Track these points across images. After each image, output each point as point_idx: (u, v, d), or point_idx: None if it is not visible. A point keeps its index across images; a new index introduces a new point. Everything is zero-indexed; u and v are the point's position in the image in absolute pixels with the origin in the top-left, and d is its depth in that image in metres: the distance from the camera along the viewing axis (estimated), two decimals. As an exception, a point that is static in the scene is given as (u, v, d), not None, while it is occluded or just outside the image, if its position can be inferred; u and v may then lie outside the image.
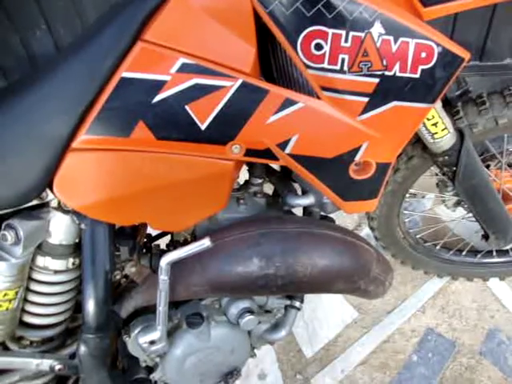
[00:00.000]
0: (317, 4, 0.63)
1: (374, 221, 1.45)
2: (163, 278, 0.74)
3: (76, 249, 0.80)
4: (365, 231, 1.91)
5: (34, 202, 0.72)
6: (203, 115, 0.67)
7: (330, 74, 0.68)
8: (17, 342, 0.84)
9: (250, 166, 0.95)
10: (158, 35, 0.63)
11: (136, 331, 0.84)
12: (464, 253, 1.59)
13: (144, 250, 0.96)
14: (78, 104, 0.65)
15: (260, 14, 0.65)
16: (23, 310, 0.81)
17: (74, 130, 0.65)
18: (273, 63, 0.75)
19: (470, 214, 1.31)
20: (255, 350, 1.08)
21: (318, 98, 0.70)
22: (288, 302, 0.98)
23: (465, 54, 0.71)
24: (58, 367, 0.83)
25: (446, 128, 1.03)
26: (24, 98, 0.66)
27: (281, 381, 1.42)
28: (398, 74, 0.69)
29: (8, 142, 0.65)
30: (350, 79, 0.69)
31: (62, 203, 0.74)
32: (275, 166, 1.00)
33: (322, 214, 0.99)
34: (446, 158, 1.10)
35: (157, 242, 1.01)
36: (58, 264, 0.78)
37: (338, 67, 0.67)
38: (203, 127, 0.68)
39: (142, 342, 0.83)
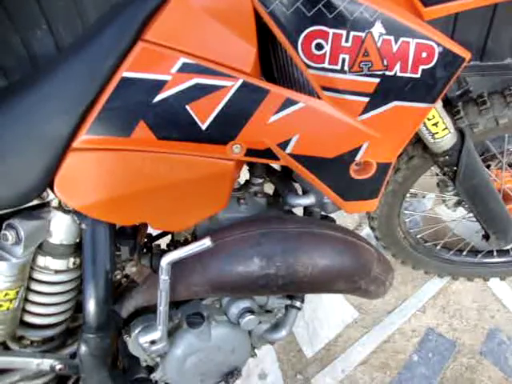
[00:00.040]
0: (317, 4, 0.63)
1: (375, 221, 1.45)
2: (164, 277, 0.74)
3: (77, 249, 0.80)
4: (365, 231, 1.91)
5: (35, 202, 0.72)
6: (204, 115, 0.67)
7: (330, 74, 0.68)
8: (17, 342, 0.84)
9: (251, 165, 0.95)
10: (159, 35, 0.63)
11: (136, 331, 0.84)
12: (464, 253, 1.59)
13: (144, 250, 0.96)
14: (78, 104, 0.65)
15: (261, 14, 0.65)
16: (24, 310, 0.81)
17: (74, 129, 0.65)
18: (273, 63, 0.75)
19: (471, 214, 1.31)
20: (256, 350, 1.08)
21: (319, 97, 0.70)
22: (288, 302, 0.98)
23: (465, 54, 0.71)
24: (58, 367, 0.83)
25: (446, 128, 1.03)
26: (25, 98, 0.66)
27: (281, 381, 1.42)
28: (399, 73, 0.69)
29: (9, 141, 0.65)
30: (351, 79, 0.69)
31: (62, 203, 0.74)
32: (276, 165, 1.00)
33: (323, 213, 0.99)
34: (447, 157, 1.10)
35: (157, 242, 1.01)
36: (59, 264, 0.78)
37: (338, 67, 0.67)
38: (204, 127, 0.68)
39: (143, 341, 0.83)
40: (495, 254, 1.57)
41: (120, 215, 0.75)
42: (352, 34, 0.65)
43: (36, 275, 0.78)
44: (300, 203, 0.93)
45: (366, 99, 0.71)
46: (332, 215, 0.99)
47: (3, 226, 0.72)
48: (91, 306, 0.78)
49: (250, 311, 0.90)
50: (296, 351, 1.51)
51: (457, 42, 0.71)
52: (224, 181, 0.76)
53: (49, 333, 0.84)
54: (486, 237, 1.33)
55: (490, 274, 1.62)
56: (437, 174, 1.36)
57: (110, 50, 0.64)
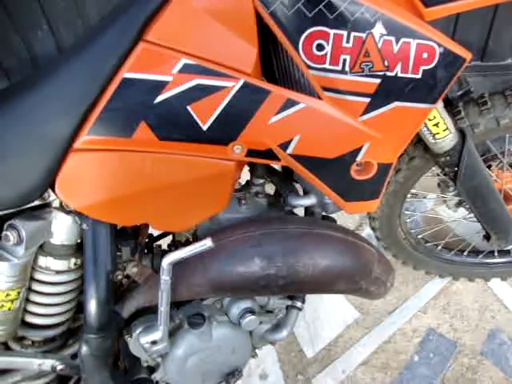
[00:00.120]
0: (318, 4, 0.63)
1: (376, 221, 1.45)
2: (165, 278, 0.74)
3: (78, 249, 0.80)
4: (366, 231, 1.91)
5: (36, 203, 0.72)
6: (205, 116, 0.67)
7: (331, 75, 0.68)
8: (19, 342, 0.84)
9: (252, 166, 0.95)
10: (160, 36, 0.63)
11: (137, 331, 0.84)
12: (465, 253, 1.59)
13: (145, 251, 0.96)
14: (79, 104, 0.65)
15: (261, 15, 0.65)
16: (25, 310, 0.81)
17: (75, 130, 0.65)
18: (274, 64, 0.75)
19: (472, 215, 1.31)
20: (256, 350, 1.08)
21: (320, 98, 0.70)
22: (289, 303, 0.99)
23: (466, 55, 0.71)
24: (59, 367, 0.83)
25: (447, 128, 1.03)
26: (26, 99, 0.66)
27: (282, 381, 1.42)
28: (400, 74, 0.69)
29: (10, 142, 0.66)
30: (352, 80, 0.69)
31: (63, 203, 0.75)
32: (277, 166, 1.00)
33: (324, 214, 0.99)
34: (448, 158, 1.10)
35: (158, 243, 1.01)
36: (60, 264, 0.78)
37: (339, 68, 0.67)
38: (205, 128, 0.68)
39: (144, 342, 0.83)
40: (496, 254, 1.57)
41: (121, 216, 0.75)
42: (353, 34, 0.65)
43: (37, 275, 0.78)
44: (301, 204, 0.93)
45: (367, 100, 0.71)
46: (333, 215, 0.99)
47: (5, 227, 0.72)
48: (92, 306, 0.78)
49: (251, 311, 0.90)
50: (297, 351, 1.51)
51: (458, 42, 0.71)
52: (225, 181, 0.76)
53: (50, 333, 0.84)
54: (487, 237, 1.33)
55: (491, 275, 1.61)
56: (438, 175, 1.36)
57: (111, 51, 0.64)
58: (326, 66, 0.67)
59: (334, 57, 0.66)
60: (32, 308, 0.81)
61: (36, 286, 0.79)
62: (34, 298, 0.80)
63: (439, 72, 0.71)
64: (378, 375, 1.42)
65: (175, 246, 1.00)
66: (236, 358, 0.98)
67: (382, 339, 1.52)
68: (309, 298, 1.09)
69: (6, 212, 0.70)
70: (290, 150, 0.73)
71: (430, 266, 1.61)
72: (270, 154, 0.74)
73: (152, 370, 0.95)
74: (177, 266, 0.75)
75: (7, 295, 0.73)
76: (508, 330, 1.51)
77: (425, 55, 0.69)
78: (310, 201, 0.92)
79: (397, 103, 0.72)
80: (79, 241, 0.80)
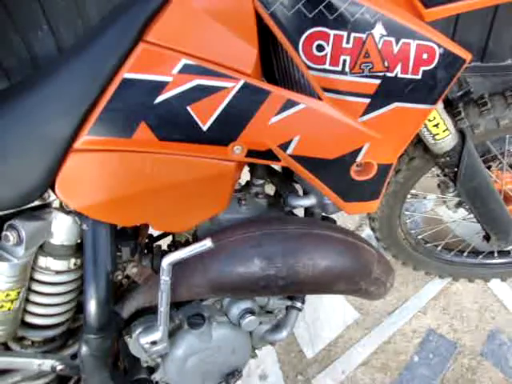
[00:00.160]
0: (318, 5, 0.63)
1: (376, 222, 1.45)
2: (164, 278, 0.74)
3: (78, 249, 0.80)
4: (366, 232, 1.91)
5: (36, 203, 0.72)
6: (205, 116, 0.67)
7: (331, 75, 0.68)
8: (18, 343, 0.84)
9: (252, 166, 0.95)
10: (160, 36, 0.63)
11: (137, 332, 0.84)
12: (465, 254, 1.59)
13: (145, 251, 0.96)
14: (79, 105, 0.65)
15: (262, 15, 0.65)
16: (25, 311, 0.81)
17: (76, 130, 0.65)
18: (274, 64, 0.76)
19: (472, 215, 1.31)
20: (256, 351, 1.08)
21: (320, 99, 0.71)
22: (289, 303, 0.99)
23: (466, 55, 0.71)
24: (59, 367, 0.83)
25: (447, 129, 1.03)
26: (26, 99, 0.66)
27: (282, 381, 1.42)
28: (400, 75, 0.69)
29: (10, 142, 0.66)
30: (352, 80, 0.69)
31: (63, 204, 0.75)
32: (277, 166, 1.00)
33: (324, 214, 0.99)
34: (448, 159, 1.10)
35: (158, 243, 1.01)
36: (60, 264, 0.78)
37: (339, 68, 0.67)
38: (205, 128, 0.68)
39: (144, 342, 0.83)
40: (496, 255, 1.57)
41: (121, 216, 0.75)
42: (353, 35, 0.65)
43: (37, 276, 0.78)
44: (301, 204, 0.93)
45: (367, 100, 0.71)
46: (333, 216, 0.99)
47: (4, 227, 0.72)
48: (92, 306, 0.78)
49: (251, 312, 0.90)
50: (297, 352, 1.51)
51: (458, 43, 0.71)
52: (225, 182, 0.76)
53: (50, 333, 0.84)
54: (487, 238, 1.33)
55: (491, 275, 1.62)
56: (437, 175, 1.36)
57: (111, 51, 0.64)
58: (326, 66, 0.67)
59: (334, 57, 0.66)
60: (32, 308, 0.81)
61: (36, 287, 0.79)
62: (34, 298, 0.80)
63: (439, 73, 0.71)
64: (378, 376, 1.42)
65: (175, 246, 1.00)
66: (236, 358, 0.98)
67: (382, 340, 1.52)
68: (308, 298, 1.09)
69: (6, 212, 0.70)
70: (289, 151, 0.73)
71: (429, 267, 1.61)
72: (269, 155, 0.74)
73: (152, 370, 0.95)
74: (177, 266, 0.75)
75: (7, 295, 0.73)
76: (508, 331, 1.51)
77: (425, 56, 0.69)
78: (309, 201, 0.92)
79: (397, 104, 0.72)
80: (79, 241, 0.80)
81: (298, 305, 0.99)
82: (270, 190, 1.01)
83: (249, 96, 0.67)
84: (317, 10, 0.64)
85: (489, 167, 1.36)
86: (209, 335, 0.91)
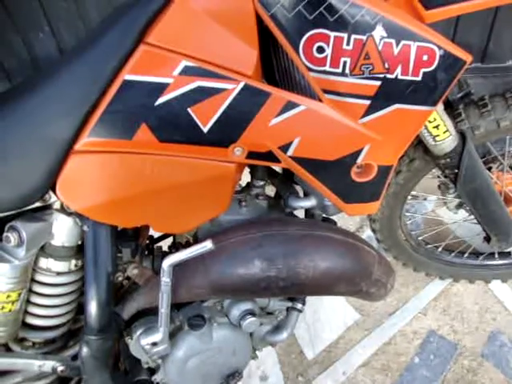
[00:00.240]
0: (319, 7, 0.64)
1: (376, 223, 1.45)
2: (165, 279, 0.74)
3: (78, 251, 0.80)
4: (366, 233, 1.91)
5: (37, 204, 0.72)
6: (205, 118, 0.67)
7: (331, 77, 0.68)
8: (19, 344, 0.84)
9: (252, 168, 0.95)
10: (161, 38, 0.63)
11: (138, 333, 0.84)
12: (466, 255, 1.59)
13: (146, 252, 0.96)
14: (80, 106, 0.65)
15: (262, 17, 0.65)
16: (26, 312, 0.81)
17: (76, 132, 0.66)
18: (275, 66, 0.76)
19: (472, 216, 1.31)
20: (257, 352, 1.08)
21: (320, 100, 0.71)
22: (290, 304, 0.99)
23: (466, 57, 0.71)
24: (60, 368, 0.83)
25: (447, 130, 1.03)
26: (27, 101, 0.66)
27: (282, 382, 1.42)
28: (400, 76, 0.69)
29: (11, 144, 0.66)
30: (352, 82, 0.69)
31: (64, 205, 0.75)
32: (277, 168, 1.00)
33: (324, 216, 0.99)
34: (448, 160, 1.10)
35: (159, 244, 1.01)
36: (61, 266, 0.78)
37: (339, 70, 0.68)
38: (205, 130, 0.68)
39: (144, 343, 0.83)
40: (497, 256, 1.57)
41: (122, 217, 0.75)
42: (353, 37, 0.65)
43: (38, 277, 0.78)
44: (301, 205, 0.93)
45: (368, 102, 0.71)
46: (333, 217, 0.99)
47: (6, 228, 0.73)
48: (93, 307, 0.78)
49: (252, 313, 0.90)
50: (297, 353, 1.51)
51: (458, 44, 0.71)
52: (225, 183, 0.76)
53: (50, 334, 0.84)
54: (488, 239, 1.33)
55: (492, 276, 1.61)
56: (438, 177, 1.36)
57: (112, 53, 0.64)
58: (327, 68, 0.67)
59: (334, 59, 0.67)
60: (33, 309, 0.81)
61: (37, 288, 0.79)
62: (35, 299, 0.80)
63: (439, 74, 0.71)
64: (379, 377, 1.42)
65: (176, 247, 1.00)
66: (236, 359, 0.98)
67: (383, 341, 1.52)
68: (309, 299, 1.10)
69: (6, 214, 0.70)
70: (290, 152, 0.74)
71: (430, 268, 1.61)
72: (270, 156, 0.74)
73: (152, 371, 0.95)
74: (177, 267, 0.75)
75: (8, 297, 0.73)
76: (508, 332, 1.51)
77: (425, 58, 0.69)
78: (310, 203, 0.92)
79: (397, 105, 0.72)
80: (80, 242, 0.80)
81: (299, 306, 0.99)
82: (271, 191, 1.01)
83: (249, 98, 0.67)
84: (317, 12, 0.64)
85: (489, 168, 1.36)
86: (209, 336, 0.91)
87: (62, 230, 0.76)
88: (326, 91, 0.69)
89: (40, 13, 1.79)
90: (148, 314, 0.87)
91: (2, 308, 0.74)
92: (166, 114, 0.66)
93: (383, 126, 0.74)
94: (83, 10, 1.81)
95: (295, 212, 1.00)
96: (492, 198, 1.19)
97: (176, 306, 0.90)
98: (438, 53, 0.69)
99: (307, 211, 1.01)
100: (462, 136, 1.09)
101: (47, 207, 0.75)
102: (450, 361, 1.45)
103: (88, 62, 0.65)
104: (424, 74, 0.70)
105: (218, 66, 0.65)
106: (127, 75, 0.64)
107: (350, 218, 1.98)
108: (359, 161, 0.77)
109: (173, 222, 0.80)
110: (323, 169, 0.77)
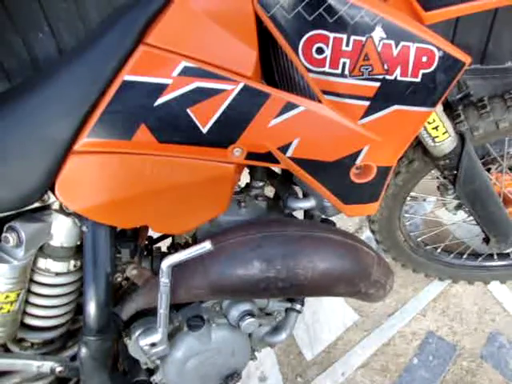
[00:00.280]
0: (318, 8, 0.64)
1: (375, 224, 1.45)
2: (164, 280, 0.74)
3: (77, 251, 0.80)
4: (366, 234, 1.91)
5: (36, 205, 0.72)
6: (205, 118, 0.67)
7: (331, 78, 0.68)
8: (18, 344, 0.84)
9: (251, 169, 0.95)
10: (160, 39, 0.63)
11: (137, 333, 0.84)
12: (465, 256, 1.59)
13: (145, 253, 0.96)
14: (80, 107, 0.65)
15: (262, 18, 0.65)
16: (24, 312, 0.81)
17: (76, 132, 0.66)
18: (274, 67, 0.76)
19: (471, 218, 1.31)
20: (256, 353, 1.08)
21: (319, 101, 0.71)
22: (289, 305, 0.99)
23: (466, 59, 0.71)
24: (58, 369, 0.83)
25: (446, 131, 1.03)
26: (26, 101, 0.66)
27: (281, 383, 1.42)
28: (399, 77, 0.69)
29: (10, 144, 0.66)
30: (351, 83, 0.69)
31: (63, 206, 0.75)
32: (276, 169, 1.01)
33: (323, 216, 0.99)
34: (447, 161, 1.10)
35: (158, 245, 1.01)
36: (60, 266, 0.78)
37: (339, 71, 0.68)
38: (205, 130, 0.68)
39: (143, 344, 0.83)
40: (495, 257, 1.57)
41: (121, 218, 0.75)
42: (352, 38, 0.65)
43: (37, 277, 0.78)
44: (300, 206, 0.93)
45: (367, 103, 0.71)
46: (332, 218, 0.99)
47: (4, 229, 0.73)
48: (92, 308, 0.78)
49: (251, 314, 0.90)
50: (296, 354, 1.50)
51: (457, 45, 0.71)
52: (225, 184, 0.76)
53: (49, 335, 0.84)
54: (487, 240, 1.34)
55: (491, 278, 1.61)
56: (437, 178, 1.37)
57: (111, 54, 0.64)
58: (326, 69, 0.67)
59: (333, 60, 0.67)
60: (31, 310, 0.81)
61: (35, 288, 0.79)
62: (34, 299, 0.80)
63: (438, 76, 0.71)
64: (378, 378, 1.42)
65: (175, 248, 1.00)
66: (235, 360, 0.98)
67: (382, 342, 1.52)
68: (308, 300, 1.10)
69: (5, 214, 0.70)
70: (289, 153, 0.74)
71: (429, 269, 1.61)
72: (269, 157, 0.74)
73: (151, 372, 0.95)
74: (176, 268, 0.75)
75: (6, 297, 0.73)
76: (507, 333, 1.51)
77: (424, 59, 0.69)
78: (309, 204, 0.92)
79: (396, 106, 0.72)
80: (79, 243, 0.80)
81: (298, 307, 0.99)
82: (270, 192, 1.01)
83: (248, 98, 0.67)
84: (317, 13, 0.64)
85: (488, 170, 1.36)
86: (208, 337, 0.91)
87: (61, 231, 0.76)
88: (325, 92, 0.69)
89: (40, 13, 1.79)
90: (147, 315, 0.87)
91: (1, 308, 0.74)
92: (165, 115, 0.66)
93: (382, 127, 0.74)
94: (83, 10, 1.81)
95: (294, 213, 1.00)
96: (491, 200, 1.20)
97: (175, 307, 0.90)
98: (438, 54, 0.69)
99: (306, 212, 1.02)
100: (461, 137, 1.09)
101: (46, 208, 0.75)
102: (449, 362, 1.45)
103: (87, 62, 0.65)
104: (423, 75, 0.70)
105: (217, 66, 0.65)
106: (127, 76, 0.64)
107: (349, 219, 1.98)
108: (358, 162, 0.77)
109: (172, 223, 0.80)
110: (322, 170, 0.77)
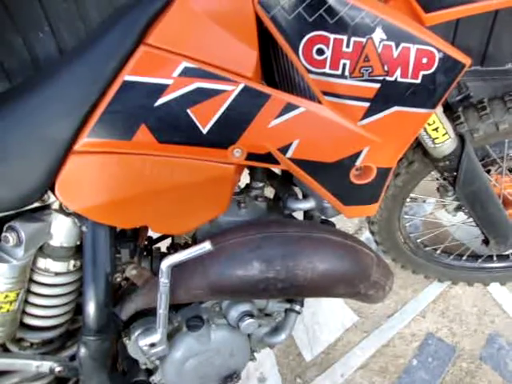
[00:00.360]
0: (318, 9, 0.64)
1: (375, 225, 1.45)
2: (164, 280, 0.74)
3: (77, 251, 0.80)
4: (365, 235, 1.91)
5: (36, 205, 0.72)
6: (205, 119, 0.68)
7: (331, 79, 0.68)
8: (17, 344, 0.84)
9: (251, 169, 0.95)
10: (161, 39, 0.64)
11: (136, 333, 0.84)
12: (464, 257, 1.59)
13: (145, 253, 0.96)
14: (80, 107, 0.65)
15: (262, 19, 0.65)
16: (24, 312, 0.81)
17: (76, 132, 0.66)
18: (274, 67, 0.76)
19: (471, 219, 1.31)
20: (255, 354, 1.07)
21: (320, 102, 0.71)
22: (288, 306, 0.99)
23: (466, 60, 0.71)
24: (57, 369, 0.83)
25: (446, 133, 1.03)
26: (27, 101, 0.66)
27: (280, 384, 1.42)
28: (399, 79, 0.70)
29: (11, 144, 0.66)
30: (351, 84, 0.69)
31: (63, 205, 0.75)
32: (276, 169, 1.01)
33: (323, 217, 0.99)
34: (447, 162, 1.10)
35: (157, 245, 1.01)
36: (59, 266, 0.78)
37: (339, 72, 0.68)
38: (205, 131, 0.68)
39: (142, 344, 0.83)
40: (495, 258, 1.57)
41: (121, 218, 0.75)
42: (353, 39, 0.66)
43: (36, 277, 0.78)
44: (300, 207, 0.93)
45: (367, 104, 0.71)
46: (332, 219, 0.99)
47: (4, 228, 0.73)
48: (91, 308, 0.78)
49: (250, 315, 0.90)
50: (295, 355, 1.50)
51: (458, 47, 0.71)
52: (225, 184, 0.76)
53: (48, 335, 0.84)
54: (486, 242, 1.34)
55: (490, 279, 1.61)
56: (437, 179, 1.37)
57: (112, 54, 0.64)
58: (326, 70, 0.67)
59: (333, 61, 0.67)
60: (31, 310, 0.81)
61: (35, 288, 0.79)
62: (33, 299, 0.80)
63: (439, 77, 0.71)
64: (377, 379, 1.42)
65: (174, 248, 1.00)
66: (234, 361, 0.98)
67: (381, 343, 1.52)
68: (307, 301, 1.10)
69: (5, 214, 0.70)
70: (289, 154, 0.74)
71: (429, 270, 1.61)
72: (269, 158, 0.74)
73: (150, 372, 0.95)
74: (176, 268, 0.75)
75: (6, 297, 0.73)
76: (507, 335, 1.51)
77: (424, 60, 0.69)
78: (309, 204, 0.92)
79: (396, 108, 0.72)
80: (78, 243, 0.80)
81: (297, 308, 0.99)
82: (270, 193, 1.01)
83: (249, 99, 0.68)
84: (317, 14, 0.64)
85: (488, 171, 1.36)
86: (207, 337, 0.91)
87: (61, 231, 0.76)
88: (325, 93, 0.70)
89: (40, 13, 1.79)
90: (146, 315, 0.87)
91: (0, 308, 0.74)
92: (165, 115, 0.66)
93: (382, 128, 0.74)
94: (83, 10, 1.81)
95: (294, 214, 1.00)
96: (491, 201, 1.20)
97: (174, 307, 0.90)
98: (438, 55, 0.69)
99: (306, 213, 1.02)
100: (461, 139, 1.09)
101: (46, 207, 0.75)
102: (449, 363, 1.45)
103: (88, 62, 0.66)
104: (423, 76, 0.70)
105: (217, 67, 0.65)
106: (127, 76, 0.64)
107: (348, 220, 1.98)
108: (358, 163, 0.77)
109: (172, 223, 0.80)
110: (322, 171, 0.77)
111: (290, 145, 0.73)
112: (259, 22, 0.66)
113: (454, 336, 1.53)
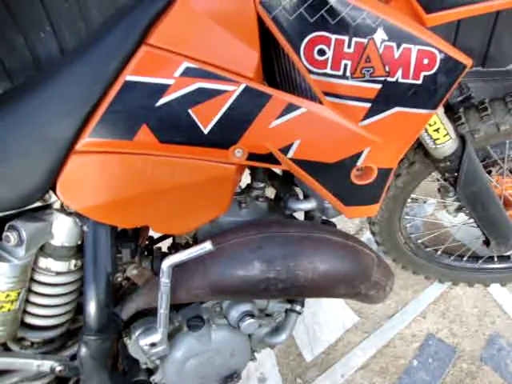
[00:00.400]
0: (320, 10, 0.64)
1: (376, 226, 1.45)
2: (164, 280, 0.75)
3: (78, 251, 0.81)
4: (366, 236, 1.91)
5: (37, 204, 0.72)
6: (206, 119, 0.68)
7: (332, 80, 0.68)
8: (18, 343, 0.84)
9: (252, 169, 0.95)
10: (163, 39, 0.64)
11: (137, 333, 0.84)
12: (465, 258, 1.59)
13: (145, 253, 0.96)
14: (81, 107, 0.65)
15: (264, 19, 0.65)
16: (25, 311, 0.81)
17: (77, 132, 0.66)
18: (276, 68, 0.76)
19: (472, 220, 1.31)
20: (255, 354, 1.08)
21: (321, 103, 0.71)
22: (288, 306, 0.99)
23: (467, 61, 0.71)
24: (58, 368, 0.83)
25: (447, 134, 1.03)
26: (28, 101, 0.66)
27: (281, 384, 1.42)
28: (401, 79, 0.70)
29: (12, 143, 0.66)
30: (353, 85, 0.69)
31: (64, 205, 0.75)
32: (277, 170, 1.01)
33: (324, 218, 0.99)
34: (448, 163, 1.10)
35: (158, 245, 1.01)
36: (60, 266, 0.78)
37: (340, 73, 0.68)
38: (206, 131, 0.68)
39: (143, 344, 0.83)
40: (496, 259, 1.57)
41: (122, 218, 0.75)
42: (354, 40, 0.66)
43: (37, 277, 0.78)
44: (301, 208, 0.93)
45: (368, 105, 0.71)
46: (333, 220, 0.99)
47: (5, 228, 0.73)
48: (92, 307, 0.78)
49: (251, 315, 0.90)
50: (296, 355, 1.50)
51: (459, 48, 0.71)
52: (226, 185, 0.76)
53: (49, 334, 0.84)
54: (487, 242, 1.33)
55: (491, 280, 1.61)
56: (438, 180, 1.37)
57: (113, 54, 0.64)
58: (328, 70, 0.67)
59: (335, 62, 0.67)
60: (32, 309, 0.81)
61: (36, 287, 0.79)
62: (34, 299, 0.80)
63: (440, 78, 0.71)
64: (377, 379, 1.42)
65: (175, 248, 1.00)
66: (235, 361, 0.98)
67: (381, 343, 1.52)
68: (308, 301, 1.09)
69: (7, 213, 0.71)
70: (290, 154, 0.74)
71: (429, 271, 1.61)
72: (270, 158, 0.74)
73: (151, 372, 0.95)
74: (177, 268, 0.75)
75: (7, 296, 0.73)
76: (507, 336, 1.51)
77: (425, 61, 0.69)
78: (310, 205, 0.92)
79: (397, 108, 0.72)
80: (80, 242, 0.80)
81: (298, 308, 0.99)
82: (271, 193, 1.01)
83: (250, 99, 0.68)
84: (318, 15, 0.64)
85: (489, 172, 1.37)
86: (208, 337, 0.91)
87: (62, 230, 0.76)
88: (326, 94, 0.70)
89: (42, 13, 1.80)
90: (147, 315, 0.87)
91: (1, 307, 0.74)
92: (166, 115, 0.66)
93: (383, 128, 0.74)
94: (85, 10, 1.81)
95: (295, 214, 1.00)
96: (491, 202, 1.20)
97: (175, 307, 0.90)
98: (439, 56, 0.69)
99: (307, 213, 1.02)
100: (462, 139, 1.09)
101: (47, 207, 0.75)
102: (449, 364, 1.45)
103: (89, 62, 0.66)
104: (424, 77, 0.70)
105: (219, 67, 0.66)
106: (128, 76, 0.64)
107: (349, 221, 1.98)
108: (359, 163, 0.77)
109: (173, 223, 0.80)
110: (323, 171, 0.77)
111: (291, 145, 0.73)
112: (261, 23, 0.66)
113: (455, 337, 1.53)
